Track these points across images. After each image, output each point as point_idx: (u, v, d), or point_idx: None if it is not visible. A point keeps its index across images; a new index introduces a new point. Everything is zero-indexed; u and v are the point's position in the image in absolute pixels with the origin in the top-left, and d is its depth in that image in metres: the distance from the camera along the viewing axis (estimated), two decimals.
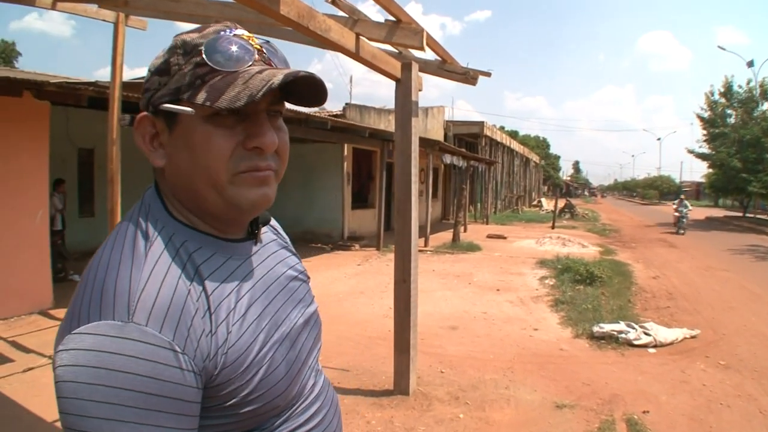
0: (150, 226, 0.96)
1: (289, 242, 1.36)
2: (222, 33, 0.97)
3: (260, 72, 0.95)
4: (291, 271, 1.22)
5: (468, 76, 5.46)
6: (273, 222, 1.32)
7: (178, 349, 0.84)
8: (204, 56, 0.94)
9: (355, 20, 4.36)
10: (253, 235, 1.13)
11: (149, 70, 1.00)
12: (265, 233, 1.23)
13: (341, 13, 4.42)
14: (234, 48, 0.96)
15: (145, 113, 0.99)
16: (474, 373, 5.75)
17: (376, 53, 4.48)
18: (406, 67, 4.94)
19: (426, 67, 5.48)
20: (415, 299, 5.12)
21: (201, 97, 0.93)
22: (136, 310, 0.82)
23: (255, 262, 1.10)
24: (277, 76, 0.93)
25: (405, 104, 4.98)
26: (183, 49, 0.96)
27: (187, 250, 0.96)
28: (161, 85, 0.97)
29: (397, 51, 5.34)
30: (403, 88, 4.97)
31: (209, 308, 0.93)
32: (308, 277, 1.30)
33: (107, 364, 0.79)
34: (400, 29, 4.37)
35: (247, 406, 0.97)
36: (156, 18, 5.84)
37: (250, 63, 0.96)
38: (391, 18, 4.35)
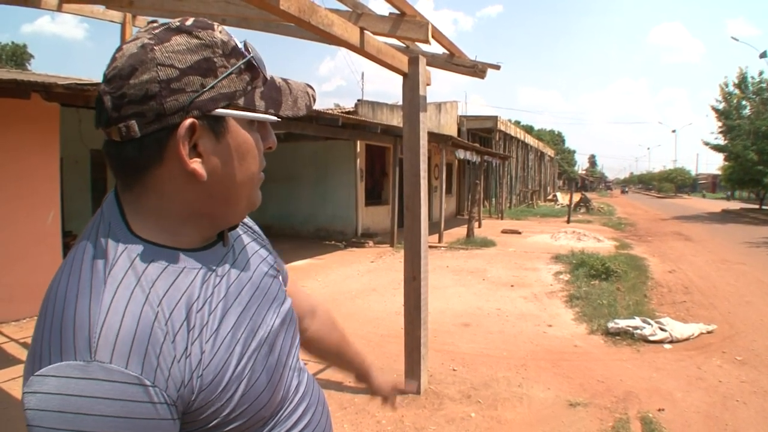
0: (110, 247, 0.88)
1: (258, 231, 1.30)
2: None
3: (287, 82, 1.03)
4: (263, 267, 1.16)
5: (476, 70, 5.39)
6: None
7: (148, 383, 0.79)
8: (256, 64, 0.95)
9: (358, 14, 4.31)
10: (221, 238, 1.06)
11: (176, 67, 0.87)
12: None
13: (344, 8, 4.37)
14: (258, 53, 0.98)
15: (192, 119, 0.88)
16: (486, 370, 5.69)
17: (381, 47, 4.42)
18: (413, 62, 4.87)
19: (433, 61, 5.41)
20: (425, 297, 5.07)
21: (261, 105, 0.95)
22: (98, 347, 0.77)
23: (226, 266, 1.03)
24: (309, 90, 1.06)
25: (413, 99, 4.91)
26: (223, 49, 0.92)
27: (153, 270, 0.89)
28: (204, 86, 0.89)
29: (404, 45, 5.28)
30: (411, 83, 4.91)
31: (180, 329, 0.87)
32: (278, 271, 1.23)
33: (74, 408, 0.74)
34: (405, 22, 4.31)
35: (230, 424, 0.93)
36: (161, 17, 5.80)
37: None
38: (395, 11, 4.29)
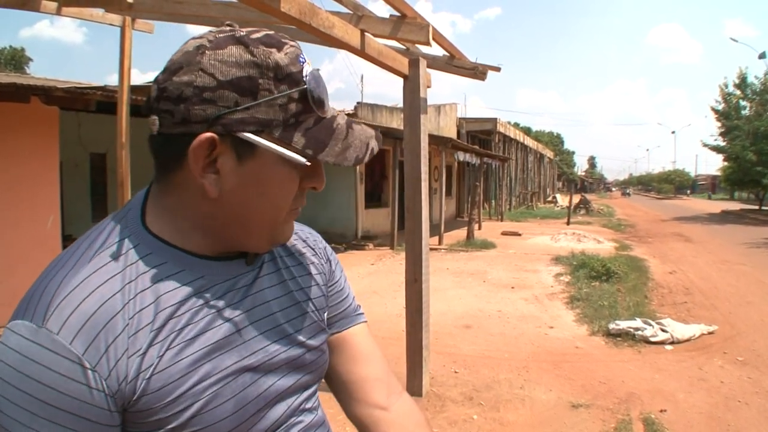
0: (114, 232, 0.89)
1: (322, 256, 1.20)
2: (303, 60, 0.90)
3: (350, 127, 0.95)
4: (291, 296, 1.07)
5: (477, 72, 5.39)
6: (301, 233, 1.19)
7: (88, 365, 0.78)
8: (310, 97, 0.89)
9: (359, 16, 4.31)
10: (244, 255, 1.01)
11: (216, 77, 0.84)
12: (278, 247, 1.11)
13: (345, 10, 4.37)
14: (322, 87, 0.92)
15: (212, 135, 0.84)
16: (488, 372, 5.68)
17: (382, 50, 4.42)
18: (414, 64, 4.87)
19: (434, 63, 5.41)
20: (427, 299, 5.06)
21: (299, 142, 0.89)
22: (51, 317, 0.78)
23: (238, 283, 0.98)
24: (372, 142, 0.97)
25: (413, 101, 4.91)
26: (275, 73, 0.86)
27: (146, 264, 0.88)
28: (238, 105, 0.84)
29: (404, 47, 5.28)
30: (411, 85, 4.90)
31: (145, 327, 0.84)
32: (325, 305, 1.15)
33: (18, 366, 0.77)
34: (406, 24, 4.31)
35: None
36: (161, 20, 5.82)
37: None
38: (396, 13, 4.29)
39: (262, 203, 0.92)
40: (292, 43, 0.91)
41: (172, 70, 0.86)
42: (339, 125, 0.94)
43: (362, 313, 1.28)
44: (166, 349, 0.85)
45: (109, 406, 0.80)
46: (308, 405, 1.09)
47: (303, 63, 0.90)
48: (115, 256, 0.86)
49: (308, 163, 0.90)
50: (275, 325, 1.01)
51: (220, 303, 0.93)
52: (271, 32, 0.91)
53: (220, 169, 0.87)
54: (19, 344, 0.77)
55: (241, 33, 0.88)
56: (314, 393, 1.12)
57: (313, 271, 1.15)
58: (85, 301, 0.80)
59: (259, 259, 1.04)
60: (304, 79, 0.89)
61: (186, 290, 0.90)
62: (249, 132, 0.86)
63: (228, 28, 0.90)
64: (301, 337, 1.05)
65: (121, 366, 0.81)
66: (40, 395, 0.76)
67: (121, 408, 0.82)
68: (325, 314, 1.14)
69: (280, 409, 1.01)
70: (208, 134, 0.84)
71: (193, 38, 0.89)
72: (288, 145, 0.88)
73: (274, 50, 0.87)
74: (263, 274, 1.03)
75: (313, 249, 1.19)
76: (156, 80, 0.87)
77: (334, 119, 0.94)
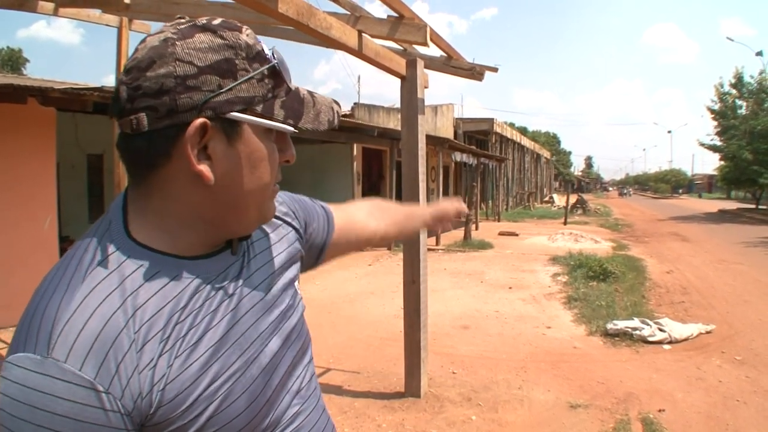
0: (101, 247, 0.87)
1: (292, 215, 1.24)
2: (260, 39, 0.94)
3: (313, 95, 1.01)
4: (275, 278, 1.09)
5: (474, 72, 5.39)
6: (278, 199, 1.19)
7: (101, 389, 0.77)
8: (279, 69, 0.93)
9: (356, 17, 4.30)
10: (230, 245, 1.01)
11: (195, 64, 0.85)
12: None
13: (343, 11, 4.36)
14: (285, 61, 0.96)
15: (204, 120, 0.85)
16: (486, 373, 5.68)
17: (379, 51, 4.42)
18: (411, 64, 4.87)
19: (431, 63, 5.41)
20: (425, 300, 5.06)
21: (280, 114, 0.93)
22: (56, 345, 0.76)
23: (227, 277, 0.98)
24: (335, 105, 1.04)
25: (411, 102, 4.91)
26: (247, 52, 0.89)
27: (140, 275, 0.86)
28: (221, 87, 0.86)
29: (401, 48, 5.28)
30: (409, 86, 4.90)
31: (151, 339, 0.84)
32: (294, 276, 1.18)
33: (28, 400, 0.75)
34: (403, 25, 4.31)
35: None
36: (158, 21, 5.80)
37: None
38: (394, 14, 4.29)
39: (252, 181, 0.94)
40: (245, 26, 0.94)
41: (141, 67, 0.85)
42: (305, 94, 0.99)
43: (326, 206, 1.41)
44: (175, 358, 0.85)
45: (126, 426, 0.80)
46: (308, 390, 1.13)
47: (261, 42, 0.93)
48: (109, 273, 0.85)
49: (296, 131, 0.95)
50: (265, 310, 1.03)
51: (216, 300, 0.94)
52: (223, 18, 0.93)
53: (212, 154, 0.89)
54: (26, 378, 0.75)
55: (203, 21, 0.90)
56: (312, 376, 1.17)
57: (282, 247, 1.17)
58: (88, 323, 0.79)
59: (242, 247, 1.05)
60: (271, 55, 0.92)
61: (183, 296, 0.90)
62: (236, 111, 0.88)
63: (183, 20, 0.91)
64: (287, 316, 1.09)
65: (133, 383, 0.80)
66: (57, 426, 0.75)
67: (139, 425, 0.82)
68: (296, 283, 1.19)
69: (285, 394, 1.05)
70: (201, 119, 0.85)
71: (151, 35, 0.89)
72: (272, 118, 0.91)
73: (237, 32, 0.90)
74: (247, 261, 1.05)
75: (281, 220, 1.21)
76: (122, 82, 0.86)
77: (299, 90, 0.98)
